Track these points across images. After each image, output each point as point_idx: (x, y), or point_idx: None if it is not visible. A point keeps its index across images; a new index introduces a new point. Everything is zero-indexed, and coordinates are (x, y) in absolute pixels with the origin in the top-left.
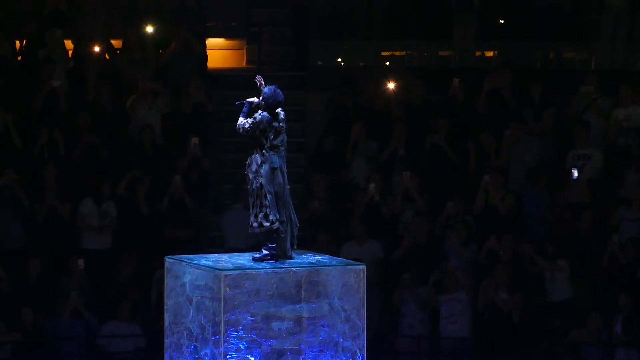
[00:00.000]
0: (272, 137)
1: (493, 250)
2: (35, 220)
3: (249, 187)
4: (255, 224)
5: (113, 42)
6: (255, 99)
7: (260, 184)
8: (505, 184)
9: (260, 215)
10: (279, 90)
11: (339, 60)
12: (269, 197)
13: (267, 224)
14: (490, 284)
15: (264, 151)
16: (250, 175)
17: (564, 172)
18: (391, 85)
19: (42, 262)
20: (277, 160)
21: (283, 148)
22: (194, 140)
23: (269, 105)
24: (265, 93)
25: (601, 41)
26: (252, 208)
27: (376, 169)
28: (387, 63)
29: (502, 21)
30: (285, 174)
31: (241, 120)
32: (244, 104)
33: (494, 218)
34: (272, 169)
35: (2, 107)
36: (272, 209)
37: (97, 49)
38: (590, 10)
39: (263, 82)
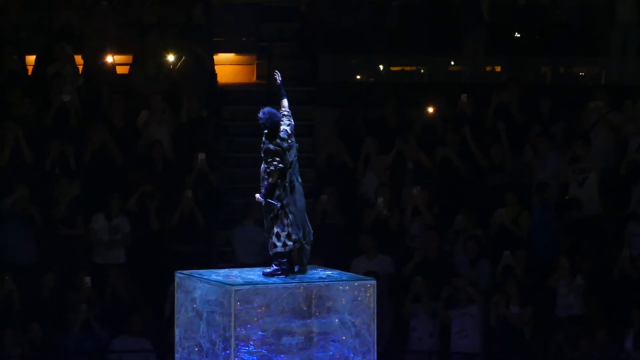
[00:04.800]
0: (287, 154)
1: (508, 266)
2: (47, 235)
3: (264, 206)
4: (279, 244)
5: (123, 57)
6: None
7: (282, 204)
8: (519, 201)
9: (283, 234)
10: (272, 110)
11: (349, 75)
12: (290, 216)
13: (291, 243)
14: (502, 298)
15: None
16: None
17: (572, 187)
18: (401, 100)
19: (55, 277)
20: (294, 177)
21: (296, 160)
22: (201, 155)
23: (270, 128)
24: (261, 118)
25: (611, 56)
26: (273, 227)
27: (386, 183)
28: (397, 78)
29: (512, 36)
30: (300, 185)
31: (266, 188)
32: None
33: (503, 233)
34: (291, 188)
35: (13, 122)
36: (294, 227)
37: (106, 64)
38: (600, 25)
39: (279, 79)
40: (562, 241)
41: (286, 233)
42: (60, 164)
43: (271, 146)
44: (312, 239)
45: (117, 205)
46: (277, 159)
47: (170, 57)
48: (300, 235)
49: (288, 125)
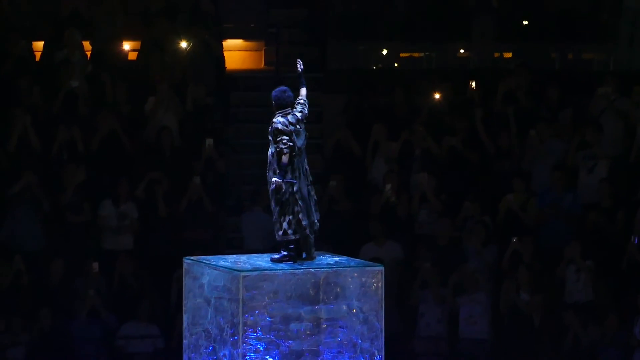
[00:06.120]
0: (295, 139)
1: (516, 252)
2: (55, 221)
3: (271, 189)
4: (289, 231)
5: (131, 43)
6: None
7: (292, 190)
8: (527, 188)
9: (294, 221)
10: (286, 88)
11: (357, 61)
12: (300, 203)
13: (299, 230)
14: (512, 285)
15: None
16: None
17: (581, 173)
18: (409, 87)
19: (63, 264)
20: (301, 165)
21: (304, 148)
22: (209, 142)
23: (276, 101)
24: (273, 96)
25: (620, 42)
26: (282, 214)
27: (394, 170)
28: (406, 64)
29: (521, 22)
30: (304, 175)
31: (276, 173)
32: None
33: (512, 219)
34: (300, 174)
35: (21, 108)
36: (304, 214)
37: (115, 50)
38: (609, 11)
39: (301, 67)
40: (570, 228)
41: (295, 220)
42: (69, 150)
43: (279, 125)
44: (316, 229)
45: (125, 191)
46: (286, 137)
47: (178, 44)
48: (307, 223)
49: (300, 112)
